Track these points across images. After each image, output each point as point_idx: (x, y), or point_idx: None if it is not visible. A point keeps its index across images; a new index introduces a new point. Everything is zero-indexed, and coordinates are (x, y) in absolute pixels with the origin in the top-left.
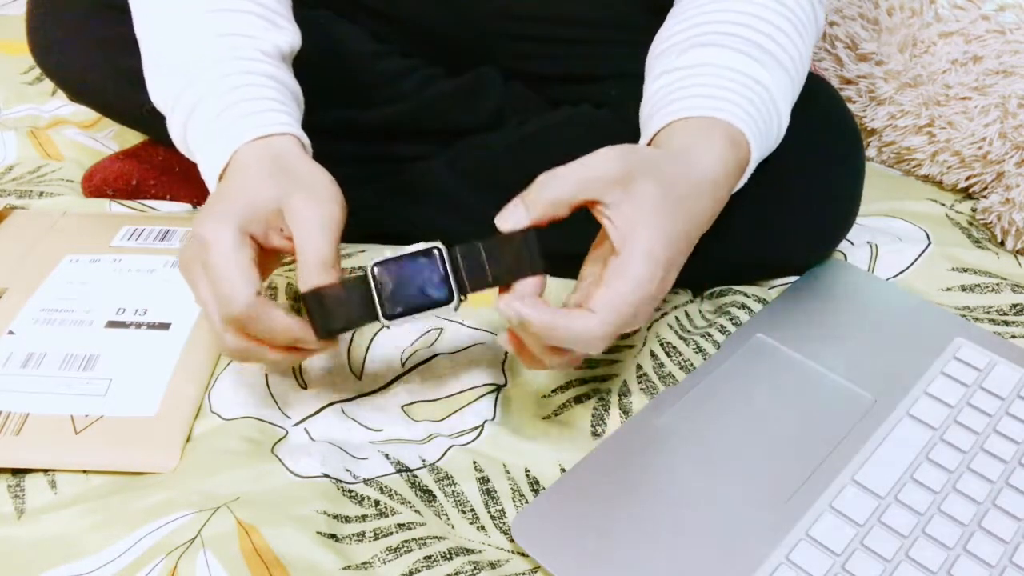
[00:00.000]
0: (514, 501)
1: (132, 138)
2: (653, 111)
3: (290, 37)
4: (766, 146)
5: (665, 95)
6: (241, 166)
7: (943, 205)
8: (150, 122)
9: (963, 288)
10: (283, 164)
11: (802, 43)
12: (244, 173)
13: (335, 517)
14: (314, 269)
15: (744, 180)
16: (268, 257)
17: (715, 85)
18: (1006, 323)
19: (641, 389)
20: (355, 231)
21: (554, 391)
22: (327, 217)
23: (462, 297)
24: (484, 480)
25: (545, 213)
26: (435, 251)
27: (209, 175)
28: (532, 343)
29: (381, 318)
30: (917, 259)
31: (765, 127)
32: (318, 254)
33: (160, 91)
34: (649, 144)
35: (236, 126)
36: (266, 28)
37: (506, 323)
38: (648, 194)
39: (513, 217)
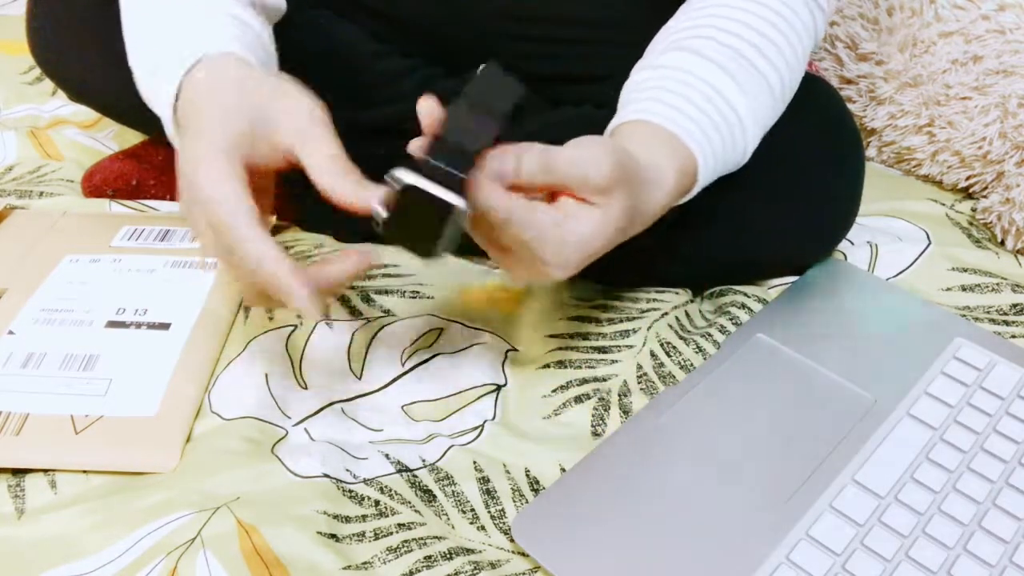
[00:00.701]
0: (514, 501)
1: (132, 138)
2: (625, 101)
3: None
4: (717, 171)
5: (635, 90)
6: (197, 95)
7: (943, 205)
8: (151, 122)
9: (963, 288)
10: (250, 79)
11: (791, 52)
12: (213, 97)
13: (335, 517)
14: (335, 173)
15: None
16: (264, 182)
17: (684, 97)
18: (1006, 323)
19: (641, 389)
20: (354, 231)
21: (554, 391)
22: (313, 110)
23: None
24: (484, 480)
25: (530, 182)
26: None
27: (165, 102)
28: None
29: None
30: (917, 259)
31: (722, 150)
32: (328, 149)
33: (130, 51)
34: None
35: (182, 51)
36: None
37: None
38: (617, 209)
39: (504, 166)
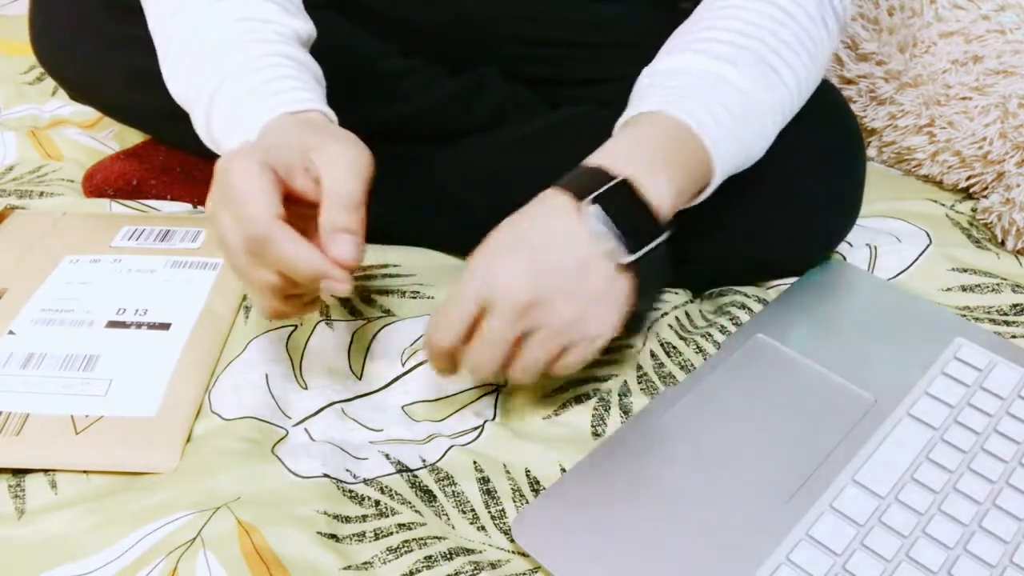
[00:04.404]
0: (514, 501)
1: (133, 138)
2: (636, 97)
3: (306, 25)
4: (734, 154)
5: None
6: (269, 131)
7: (943, 205)
8: (152, 121)
9: (963, 288)
10: (312, 126)
11: (804, 51)
12: (270, 132)
13: (335, 517)
14: (339, 206)
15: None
16: (293, 208)
17: (698, 102)
18: (1006, 323)
19: (641, 389)
20: None
21: (554, 391)
22: (358, 160)
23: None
24: (484, 480)
25: None
26: None
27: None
28: None
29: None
30: (917, 259)
31: (734, 126)
32: (346, 191)
33: (181, 83)
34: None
35: (263, 105)
36: (280, 12)
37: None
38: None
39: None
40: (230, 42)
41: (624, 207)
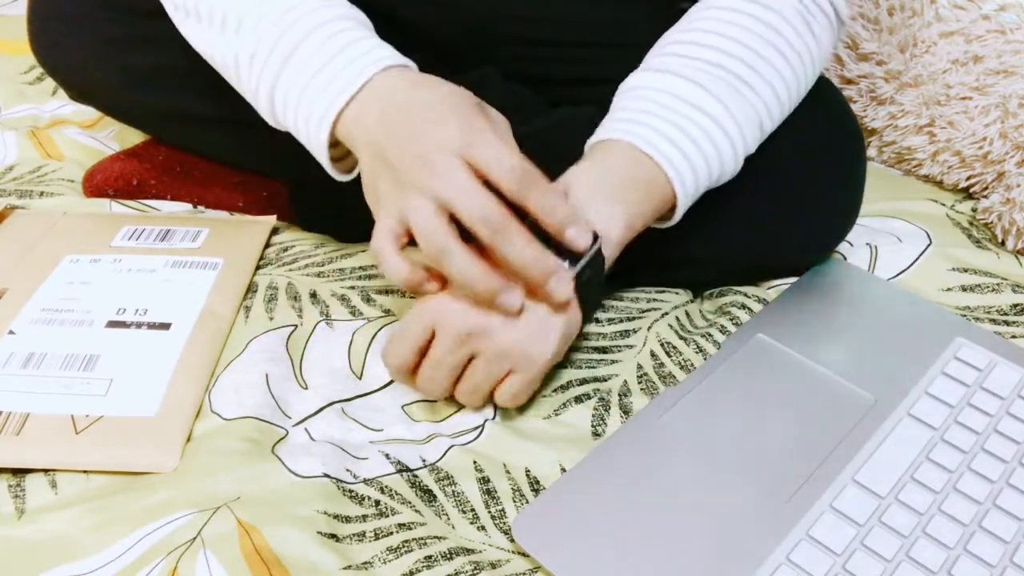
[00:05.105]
0: (514, 501)
1: (133, 138)
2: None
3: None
4: (699, 172)
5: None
6: (407, 105)
7: (943, 205)
8: (152, 121)
9: (963, 288)
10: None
11: (784, 62)
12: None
13: (335, 517)
14: (549, 194)
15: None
16: None
17: (652, 114)
18: (1007, 323)
19: (641, 389)
20: (357, 231)
21: (554, 391)
22: (507, 128)
23: None
24: (484, 480)
25: None
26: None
27: (323, 116)
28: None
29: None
30: (917, 259)
31: (695, 151)
32: (534, 172)
33: (227, 49)
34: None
35: (358, 62)
36: None
37: None
38: None
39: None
40: (303, 9)
41: None
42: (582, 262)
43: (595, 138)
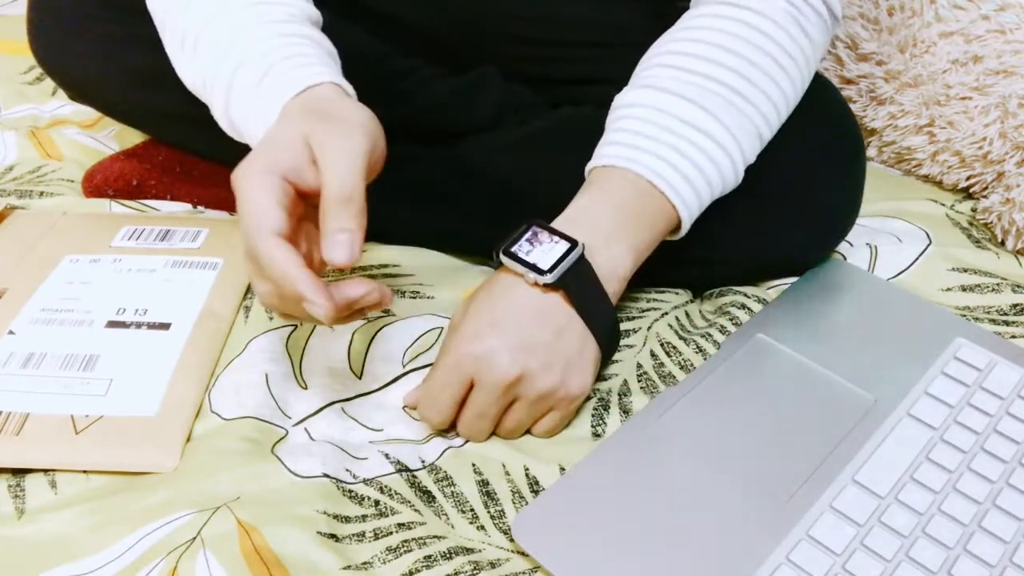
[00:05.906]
0: (514, 502)
1: (133, 138)
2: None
3: (315, 10)
4: (700, 192)
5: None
6: (278, 121)
7: (943, 205)
8: (152, 121)
9: (963, 288)
10: (314, 106)
11: (779, 71)
12: (277, 124)
13: (335, 517)
14: (333, 204)
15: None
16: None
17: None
18: (1006, 323)
19: (641, 389)
20: None
21: None
22: (354, 149)
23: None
24: (483, 481)
25: None
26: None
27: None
28: None
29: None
30: (917, 259)
31: (700, 178)
32: (339, 186)
33: (194, 71)
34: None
35: (276, 89)
36: None
37: None
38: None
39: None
40: (243, 26)
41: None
42: (559, 269)
43: (596, 161)
